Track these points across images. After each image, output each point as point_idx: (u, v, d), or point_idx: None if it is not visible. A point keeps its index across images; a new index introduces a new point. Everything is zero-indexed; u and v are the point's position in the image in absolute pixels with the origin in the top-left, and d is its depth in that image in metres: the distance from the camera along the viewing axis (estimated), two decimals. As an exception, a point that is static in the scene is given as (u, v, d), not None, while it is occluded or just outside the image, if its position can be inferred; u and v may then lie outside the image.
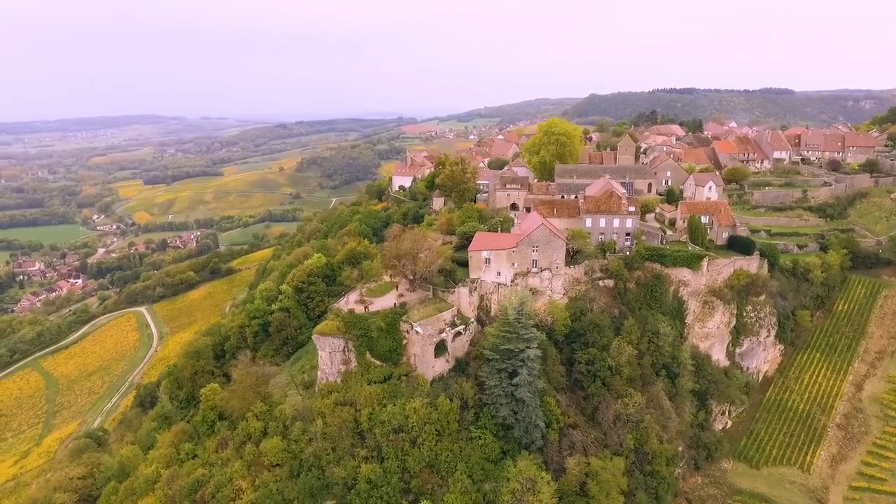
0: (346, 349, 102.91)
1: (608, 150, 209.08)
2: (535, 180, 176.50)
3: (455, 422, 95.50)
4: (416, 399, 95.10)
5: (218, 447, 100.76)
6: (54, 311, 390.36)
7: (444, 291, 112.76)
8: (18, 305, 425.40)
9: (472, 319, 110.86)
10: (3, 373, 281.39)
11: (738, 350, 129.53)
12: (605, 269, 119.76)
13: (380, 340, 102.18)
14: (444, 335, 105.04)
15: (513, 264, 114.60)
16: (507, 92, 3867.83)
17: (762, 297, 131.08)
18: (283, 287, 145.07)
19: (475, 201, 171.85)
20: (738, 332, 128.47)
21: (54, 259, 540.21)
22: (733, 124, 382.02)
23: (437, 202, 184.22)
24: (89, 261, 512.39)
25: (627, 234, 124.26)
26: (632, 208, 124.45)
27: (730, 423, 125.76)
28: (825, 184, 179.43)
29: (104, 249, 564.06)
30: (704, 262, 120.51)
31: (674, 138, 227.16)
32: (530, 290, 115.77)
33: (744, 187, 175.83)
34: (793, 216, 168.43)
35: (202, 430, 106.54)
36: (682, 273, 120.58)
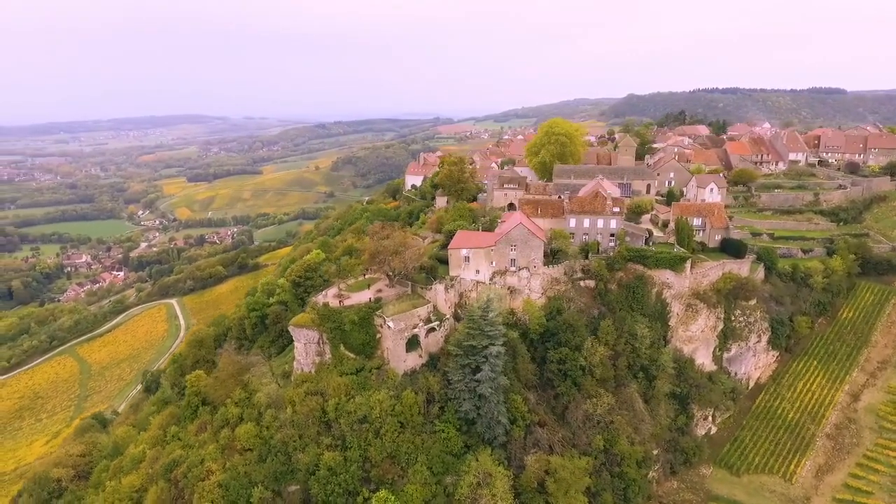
0: (320, 341, 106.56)
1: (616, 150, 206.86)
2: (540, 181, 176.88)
3: (419, 415, 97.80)
4: (381, 391, 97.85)
5: (198, 430, 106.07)
6: (96, 301, 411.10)
7: (422, 288, 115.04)
8: (64, 295, 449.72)
9: (448, 316, 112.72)
10: (43, 358, 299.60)
11: (725, 355, 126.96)
12: (586, 269, 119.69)
13: (352, 334, 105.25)
14: (416, 330, 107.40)
15: (491, 263, 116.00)
16: (545, 92, 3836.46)
17: (752, 302, 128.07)
18: (280, 281, 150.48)
19: (475, 200, 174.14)
20: (726, 336, 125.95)
21: (100, 252, 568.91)
22: (766, 125, 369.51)
23: (440, 201, 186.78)
24: (132, 254, 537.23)
25: (612, 235, 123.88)
26: (616, 209, 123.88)
27: (714, 429, 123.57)
28: (840, 187, 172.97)
29: (146, 244, 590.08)
30: (687, 265, 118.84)
31: (685, 139, 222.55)
32: (508, 288, 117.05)
33: (751, 189, 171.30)
34: (802, 220, 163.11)
35: (186, 414, 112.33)
36: (665, 275, 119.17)
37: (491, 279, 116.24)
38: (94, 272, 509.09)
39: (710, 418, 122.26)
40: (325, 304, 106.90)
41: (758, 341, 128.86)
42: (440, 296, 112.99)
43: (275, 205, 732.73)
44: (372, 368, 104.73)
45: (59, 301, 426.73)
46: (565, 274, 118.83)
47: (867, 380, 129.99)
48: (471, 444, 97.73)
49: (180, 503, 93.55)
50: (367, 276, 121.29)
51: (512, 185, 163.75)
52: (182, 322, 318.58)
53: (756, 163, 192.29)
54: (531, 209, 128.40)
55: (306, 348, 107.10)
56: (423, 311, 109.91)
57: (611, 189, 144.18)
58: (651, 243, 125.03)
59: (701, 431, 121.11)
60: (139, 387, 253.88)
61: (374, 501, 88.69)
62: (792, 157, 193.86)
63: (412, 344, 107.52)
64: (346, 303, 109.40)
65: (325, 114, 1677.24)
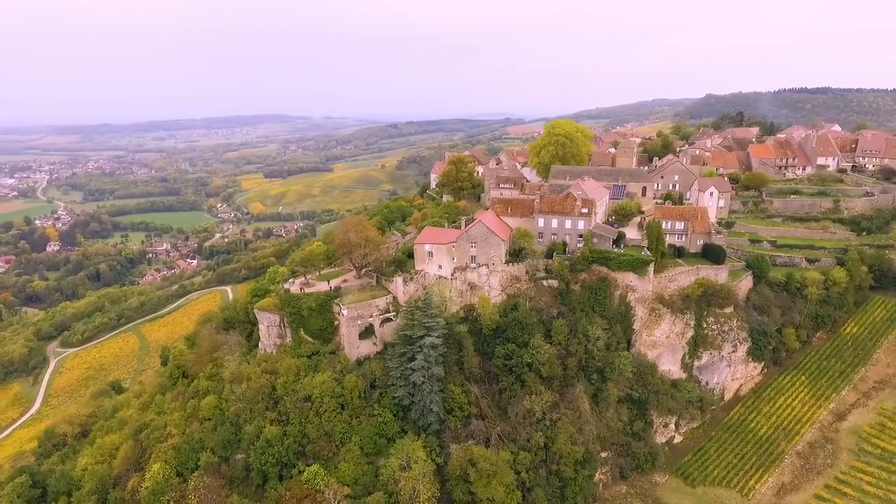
0: (281, 324, 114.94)
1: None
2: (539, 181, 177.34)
3: (359, 398, 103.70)
4: (325, 373, 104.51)
5: (173, 399, 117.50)
6: (168, 285, 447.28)
7: (387, 280, 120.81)
8: (143, 279, 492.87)
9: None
10: (111, 334, 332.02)
11: (696, 363, 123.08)
12: (549, 269, 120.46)
13: (310, 319, 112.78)
14: (371, 319, 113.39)
15: (452, 259, 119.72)
16: (622, 92, 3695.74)
17: (728, 310, 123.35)
18: (281, 270, 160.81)
19: (479, 199, 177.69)
20: (697, 343, 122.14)
21: (179, 241, 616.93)
22: (836, 128, 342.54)
23: (447, 199, 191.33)
24: (205, 244, 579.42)
25: (580, 236, 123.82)
26: (585, 210, 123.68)
27: (679, 438, 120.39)
28: (867, 194, 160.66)
29: (219, 235, 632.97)
30: (650, 268, 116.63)
31: (709, 142, 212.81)
32: (469, 284, 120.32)
33: (762, 194, 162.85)
34: (816, 228, 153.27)
35: (168, 384, 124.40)
36: (629, 278, 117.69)
37: (452, 274, 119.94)
38: (171, 259, 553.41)
39: (672, 426, 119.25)
40: (287, 290, 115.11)
41: (733, 351, 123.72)
42: (399, 288, 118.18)
43: (341, 201, 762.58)
44: (326, 353, 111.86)
45: (137, 284, 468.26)
46: (527, 273, 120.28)
47: (858, 399, 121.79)
48: (407, 429, 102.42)
49: (143, 460, 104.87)
50: (339, 268, 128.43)
51: (508, 185, 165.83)
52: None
53: (780, 167, 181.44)
54: (502, 208, 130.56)
55: (268, 330, 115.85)
56: (381, 302, 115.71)
57: (598, 190, 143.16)
58: (622, 245, 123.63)
59: (661, 439, 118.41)
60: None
61: (306, 474, 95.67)
62: (821, 161, 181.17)
63: (367, 332, 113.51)
64: (311, 290, 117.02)
65: (400, 114, 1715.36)
